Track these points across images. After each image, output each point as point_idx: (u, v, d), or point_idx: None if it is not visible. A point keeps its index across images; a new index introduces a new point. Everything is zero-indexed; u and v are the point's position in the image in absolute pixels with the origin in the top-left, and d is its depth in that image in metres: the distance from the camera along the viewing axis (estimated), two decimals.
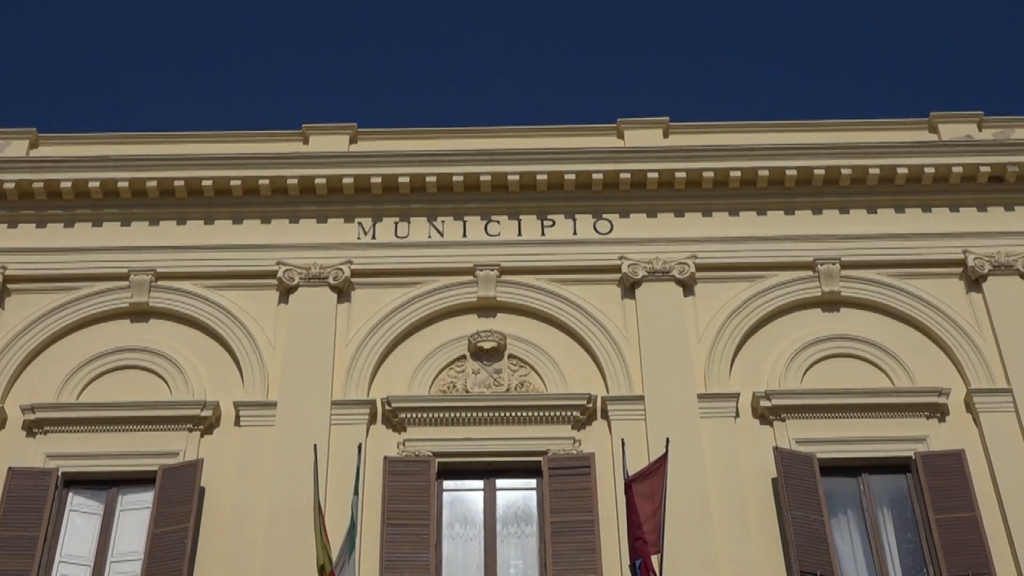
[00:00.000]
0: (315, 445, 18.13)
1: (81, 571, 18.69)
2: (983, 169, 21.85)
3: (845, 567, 18.48)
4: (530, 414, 19.76)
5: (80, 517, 19.22)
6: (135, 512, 19.14)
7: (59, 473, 19.14)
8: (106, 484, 19.40)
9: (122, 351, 20.83)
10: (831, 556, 18.11)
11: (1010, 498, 18.71)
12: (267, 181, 21.78)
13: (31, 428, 19.70)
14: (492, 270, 21.21)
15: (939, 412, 19.68)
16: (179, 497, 18.83)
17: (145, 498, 19.11)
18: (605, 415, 19.78)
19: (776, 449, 19.05)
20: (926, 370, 20.42)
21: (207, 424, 19.78)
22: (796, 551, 17.97)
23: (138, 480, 19.24)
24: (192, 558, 18.24)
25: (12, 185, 21.68)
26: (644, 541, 16.72)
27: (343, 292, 21.23)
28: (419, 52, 54.08)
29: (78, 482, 19.39)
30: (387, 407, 19.75)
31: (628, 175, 21.74)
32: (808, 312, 21.25)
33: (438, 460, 19.27)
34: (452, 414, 19.87)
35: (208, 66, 53.72)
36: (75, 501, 19.31)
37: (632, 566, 16.83)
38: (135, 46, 54.34)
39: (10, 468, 18.97)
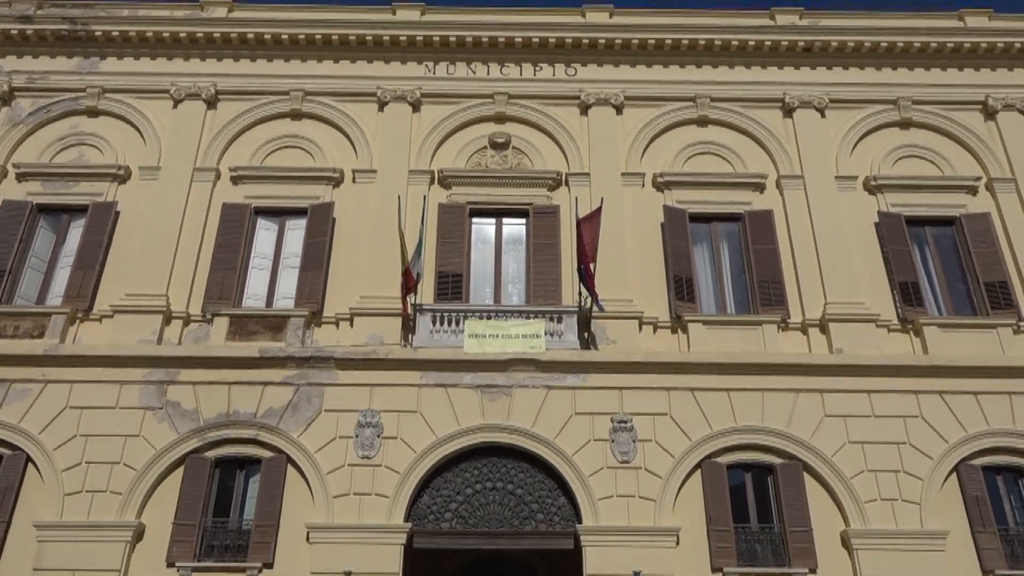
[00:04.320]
0: (399, 195, 19.87)
1: (266, 262, 20.06)
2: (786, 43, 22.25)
3: (699, 273, 20.02)
4: (523, 181, 20.88)
5: (264, 232, 20.49)
6: (296, 231, 20.50)
7: (252, 207, 20.63)
8: (279, 214, 20.65)
9: (286, 136, 21.94)
10: (692, 266, 19.79)
11: (795, 238, 20.28)
12: (371, 37, 22.53)
13: (235, 180, 21.17)
14: (504, 96, 22.09)
15: (760, 188, 21.09)
16: (320, 223, 20.14)
17: (302, 223, 20.44)
18: (567, 183, 20.94)
19: (664, 206, 20.55)
20: (755, 161, 21.66)
21: (336, 181, 20.94)
22: (672, 262, 19.78)
23: (298, 212, 20.62)
24: (328, 257, 19.85)
25: (218, 35, 22.55)
26: (586, 254, 18.04)
27: (415, 107, 22.09)
28: None
29: (264, 211, 20.68)
30: (441, 174, 20.96)
31: (587, 40, 22.59)
32: (689, 127, 22.16)
33: (470, 206, 20.52)
34: (478, 179, 20.91)
35: None
36: (261, 223, 20.58)
37: (579, 269, 18.40)
38: None
39: (224, 203, 20.67)
